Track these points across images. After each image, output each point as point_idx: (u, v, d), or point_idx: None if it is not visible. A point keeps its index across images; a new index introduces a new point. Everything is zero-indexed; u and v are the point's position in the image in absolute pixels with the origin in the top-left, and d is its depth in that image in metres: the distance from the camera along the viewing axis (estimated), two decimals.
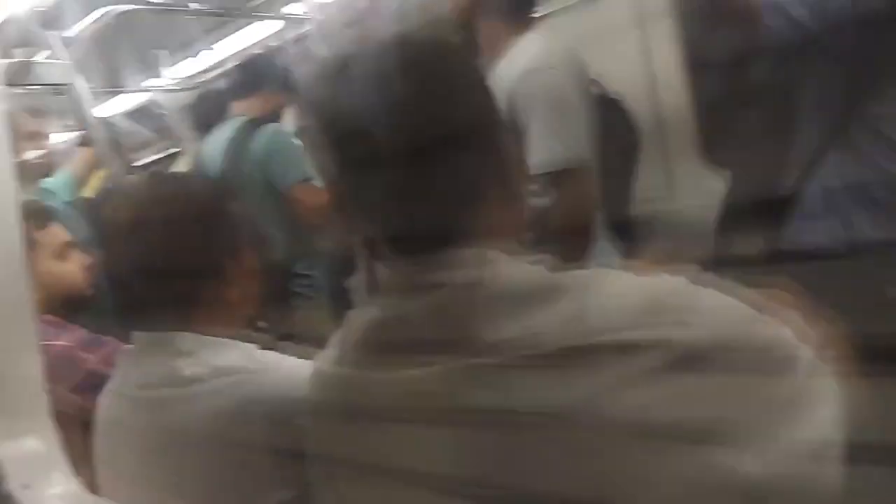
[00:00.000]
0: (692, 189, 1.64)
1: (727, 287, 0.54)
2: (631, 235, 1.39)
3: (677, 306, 0.52)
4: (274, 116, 2.07)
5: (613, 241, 1.36)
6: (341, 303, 1.86)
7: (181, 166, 2.27)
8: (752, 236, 1.03)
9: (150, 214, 0.84)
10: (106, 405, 0.89)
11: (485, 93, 0.62)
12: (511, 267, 0.57)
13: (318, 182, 1.85)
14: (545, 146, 1.22)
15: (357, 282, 1.92)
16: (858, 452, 0.50)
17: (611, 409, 0.49)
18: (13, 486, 0.78)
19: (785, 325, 0.53)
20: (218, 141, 1.99)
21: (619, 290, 0.54)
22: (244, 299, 0.87)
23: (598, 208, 1.26)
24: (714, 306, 0.53)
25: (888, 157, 0.93)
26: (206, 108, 2.38)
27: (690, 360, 0.49)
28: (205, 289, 0.83)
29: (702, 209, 1.58)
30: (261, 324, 1.06)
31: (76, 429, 1.03)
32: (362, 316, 0.64)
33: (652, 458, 0.49)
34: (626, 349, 0.50)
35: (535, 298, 0.54)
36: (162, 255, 0.82)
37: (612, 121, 1.41)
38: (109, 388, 0.89)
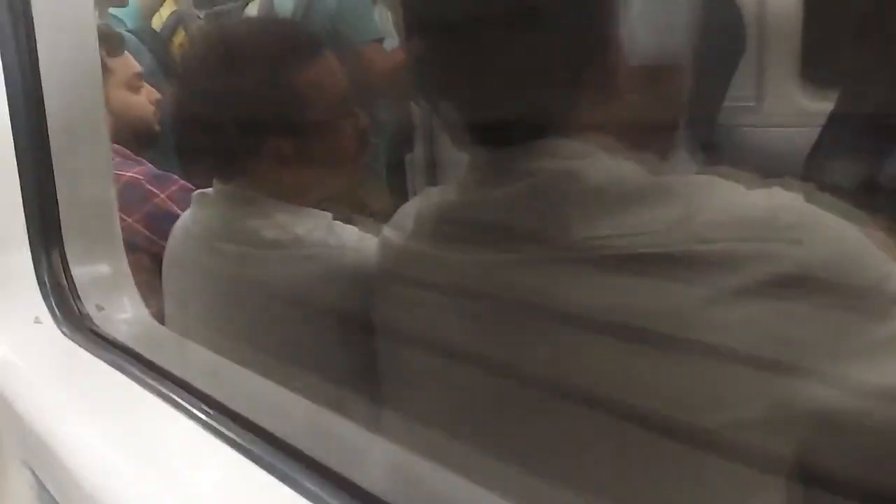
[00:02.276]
0: (784, 105, 1.55)
1: (848, 213, 0.51)
2: (713, 145, 1.32)
3: (792, 223, 0.49)
4: None
5: (693, 149, 1.29)
6: (397, 178, 1.84)
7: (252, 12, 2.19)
8: (851, 166, 0.97)
9: (236, 59, 0.81)
10: (178, 244, 0.90)
11: None
12: (611, 163, 0.54)
13: (391, 43, 1.78)
14: (639, 36, 1.12)
15: (416, 159, 1.90)
16: None
17: (706, 321, 0.48)
18: (89, 306, 0.82)
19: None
20: None
21: (730, 201, 0.51)
22: (324, 162, 0.85)
23: (685, 113, 1.19)
24: (830, 229, 0.49)
25: None
26: None
27: (798, 279, 0.47)
28: (284, 147, 0.81)
29: (789, 128, 1.49)
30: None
31: (143, 259, 1.07)
32: (443, 195, 0.63)
33: (736, 377, 0.48)
34: (733, 261, 0.47)
35: (637, 198, 0.52)
36: (246, 106, 0.80)
37: (718, 14, 1.28)
38: (183, 226, 0.91)
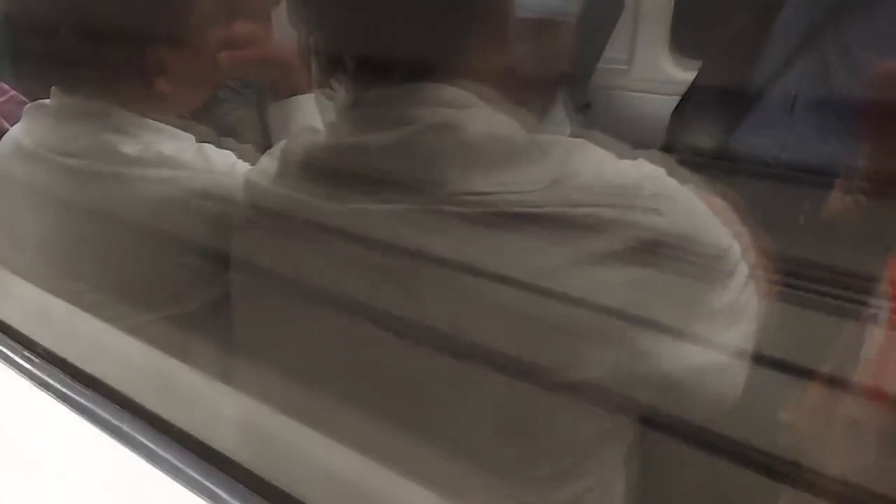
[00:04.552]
0: (651, 71, 1.62)
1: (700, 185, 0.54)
2: (586, 104, 1.36)
3: (654, 194, 0.51)
4: None
5: (568, 107, 1.32)
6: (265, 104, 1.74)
7: None
8: (706, 131, 1.03)
9: None
10: (4, 160, 0.80)
11: None
12: (490, 116, 0.53)
13: None
14: None
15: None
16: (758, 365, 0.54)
17: (568, 282, 0.49)
18: None
19: (735, 238, 0.54)
20: None
21: (600, 167, 0.52)
22: (187, 79, 0.78)
23: (566, 69, 1.20)
24: (686, 203, 0.53)
25: (848, 79, 0.92)
26: None
27: (654, 247, 0.50)
28: (146, 60, 0.73)
29: (655, 92, 1.57)
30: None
31: None
32: (312, 137, 0.59)
33: (588, 336, 0.50)
34: (599, 226, 0.49)
35: (513, 156, 0.52)
36: (101, 7, 0.71)
37: None
38: (12, 140, 0.80)
